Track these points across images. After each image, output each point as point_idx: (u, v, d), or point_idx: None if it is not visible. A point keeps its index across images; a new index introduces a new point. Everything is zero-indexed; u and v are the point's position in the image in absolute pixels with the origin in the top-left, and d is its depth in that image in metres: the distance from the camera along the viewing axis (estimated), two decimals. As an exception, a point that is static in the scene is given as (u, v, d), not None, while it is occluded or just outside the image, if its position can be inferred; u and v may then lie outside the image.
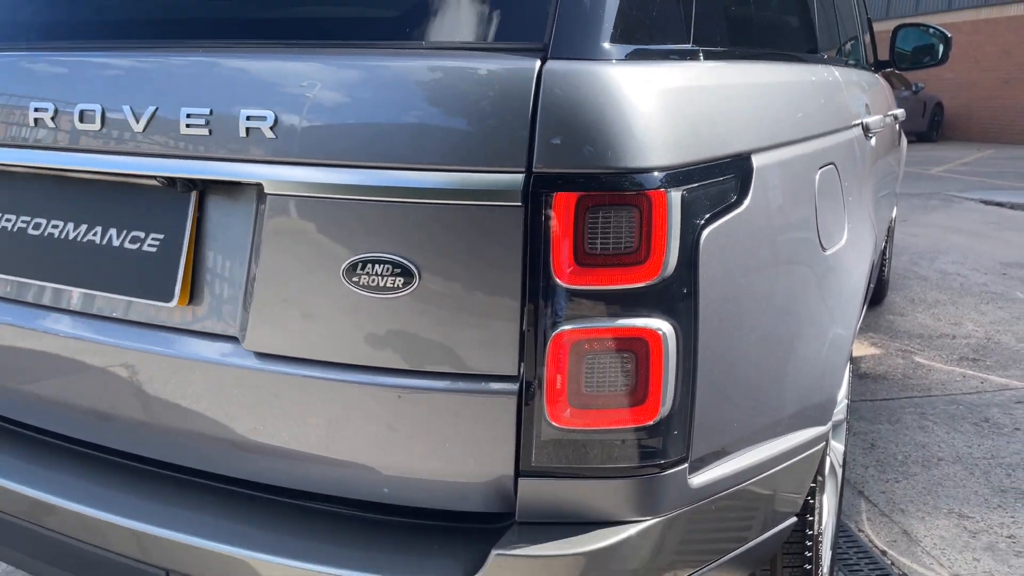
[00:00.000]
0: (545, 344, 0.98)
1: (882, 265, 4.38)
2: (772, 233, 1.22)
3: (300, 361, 1.07)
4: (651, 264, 0.98)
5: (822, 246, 1.44)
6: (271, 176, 1.03)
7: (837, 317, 1.52)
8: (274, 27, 1.16)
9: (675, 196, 0.99)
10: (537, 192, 0.95)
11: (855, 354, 3.87)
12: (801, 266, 1.34)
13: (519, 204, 0.96)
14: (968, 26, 17.24)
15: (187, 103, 1.06)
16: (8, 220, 1.25)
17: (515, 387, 1.00)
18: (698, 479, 1.12)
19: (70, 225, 1.20)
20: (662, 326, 1.00)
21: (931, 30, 3.38)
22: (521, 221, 0.96)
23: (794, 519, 1.48)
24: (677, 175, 1.00)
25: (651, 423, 1.02)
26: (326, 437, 1.08)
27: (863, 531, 2.33)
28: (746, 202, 1.13)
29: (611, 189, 0.96)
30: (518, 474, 1.03)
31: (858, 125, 1.91)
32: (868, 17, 3.46)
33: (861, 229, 1.74)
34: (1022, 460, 2.78)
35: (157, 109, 1.07)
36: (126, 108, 1.09)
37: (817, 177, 1.43)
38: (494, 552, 0.99)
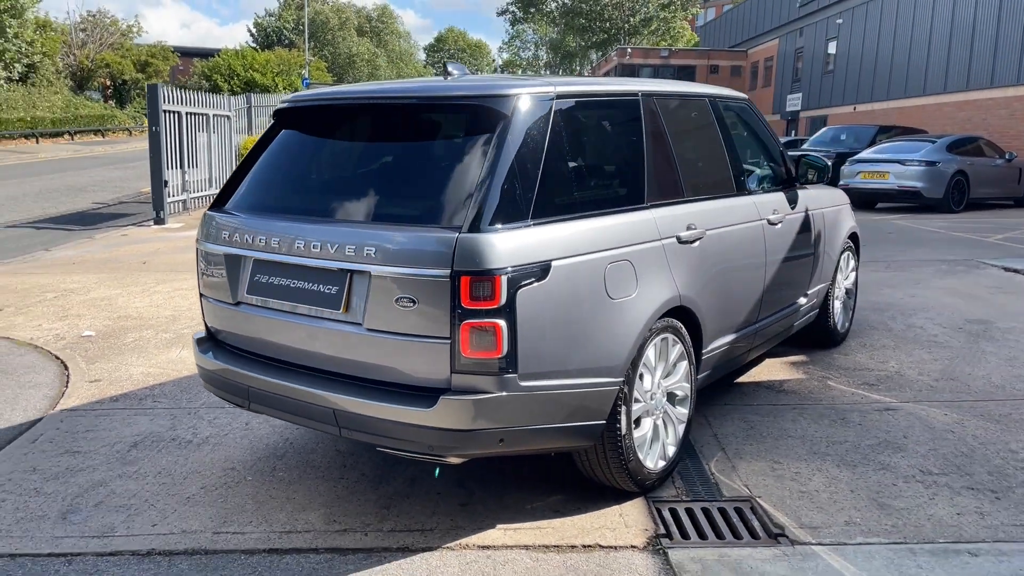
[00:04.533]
0: (459, 327, 2.89)
1: (826, 317, 5.84)
2: (565, 291, 3.07)
3: (383, 332, 3.01)
4: (496, 300, 2.86)
5: (609, 296, 3.26)
6: (375, 270, 2.98)
7: (618, 328, 3.31)
8: (384, 215, 3.18)
9: (505, 277, 2.86)
10: (455, 276, 2.85)
11: (781, 377, 5.38)
12: (588, 302, 3.18)
13: (448, 279, 2.87)
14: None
15: (349, 243, 3.04)
16: (269, 278, 3.32)
17: (449, 341, 2.90)
18: (524, 383, 2.97)
19: (296, 281, 3.24)
20: (502, 322, 2.88)
21: (821, 157, 5.05)
22: (450, 285, 2.86)
23: (603, 421, 3.29)
24: (508, 269, 2.88)
25: (499, 356, 2.90)
26: (389, 358, 3.03)
27: (708, 465, 3.99)
28: (547, 279, 3.00)
29: (482, 275, 2.85)
30: (452, 372, 2.92)
31: (671, 237, 3.69)
32: (782, 150, 5.13)
33: (653, 288, 3.51)
34: (771, 435, 4.28)
35: (339, 245, 3.07)
36: (328, 243, 3.09)
37: (607, 267, 3.27)
38: (442, 397, 2.89)
